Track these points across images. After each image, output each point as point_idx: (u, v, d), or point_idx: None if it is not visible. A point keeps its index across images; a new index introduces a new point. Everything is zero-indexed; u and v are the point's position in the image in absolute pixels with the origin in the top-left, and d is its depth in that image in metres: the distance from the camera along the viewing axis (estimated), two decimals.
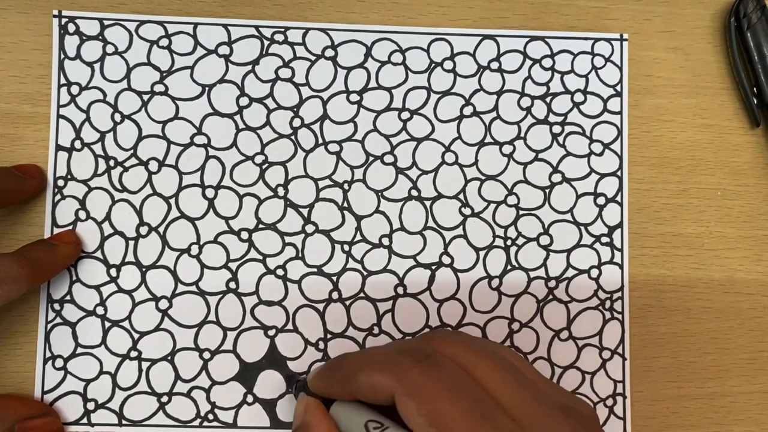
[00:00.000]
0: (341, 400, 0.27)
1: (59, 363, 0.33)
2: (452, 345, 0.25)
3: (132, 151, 0.34)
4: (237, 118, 0.34)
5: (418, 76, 0.35)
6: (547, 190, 0.35)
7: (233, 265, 0.33)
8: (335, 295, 0.34)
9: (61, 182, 0.33)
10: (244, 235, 0.34)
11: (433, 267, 0.34)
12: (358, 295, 0.34)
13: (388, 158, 0.34)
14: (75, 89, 0.34)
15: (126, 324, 0.33)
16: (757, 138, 0.36)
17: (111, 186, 0.33)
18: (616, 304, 0.34)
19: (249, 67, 0.34)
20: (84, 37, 0.34)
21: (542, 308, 0.34)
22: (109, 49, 0.34)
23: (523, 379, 0.24)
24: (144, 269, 0.33)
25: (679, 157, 0.35)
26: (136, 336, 0.33)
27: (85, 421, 0.32)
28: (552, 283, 0.34)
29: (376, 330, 0.33)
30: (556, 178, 0.35)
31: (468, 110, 0.35)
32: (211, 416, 0.33)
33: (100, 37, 0.34)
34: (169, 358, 0.33)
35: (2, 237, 0.33)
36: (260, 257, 0.34)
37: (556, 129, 0.35)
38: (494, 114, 0.35)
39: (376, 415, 0.25)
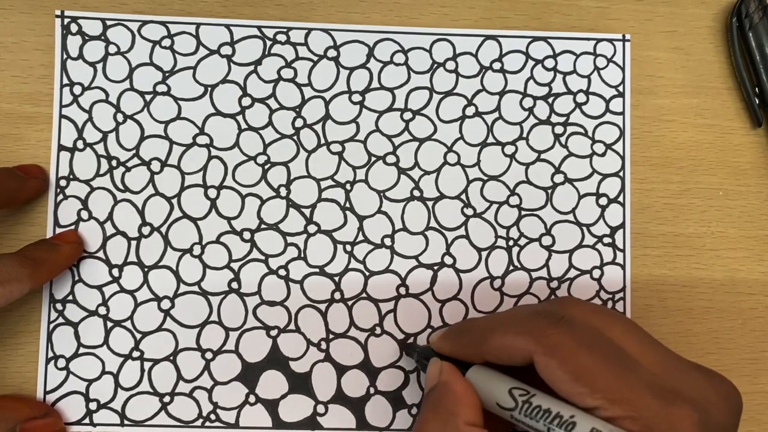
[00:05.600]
0: (479, 366, 0.26)
1: (61, 363, 0.33)
2: (582, 308, 0.25)
3: (134, 151, 0.34)
4: (239, 118, 0.34)
5: (420, 76, 0.35)
6: (549, 191, 0.35)
7: (235, 266, 0.33)
8: (337, 296, 0.34)
9: (63, 182, 0.33)
10: (247, 235, 0.34)
11: (436, 267, 0.34)
12: (360, 295, 0.34)
13: (391, 158, 0.34)
14: (77, 89, 0.34)
15: (128, 324, 0.33)
16: (758, 138, 0.36)
17: (113, 186, 0.33)
18: (618, 304, 0.34)
19: (251, 68, 0.34)
20: (86, 37, 0.34)
21: None
22: (112, 49, 0.34)
23: (655, 340, 0.24)
24: (146, 269, 0.33)
25: (680, 157, 0.35)
26: (138, 336, 0.33)
27: (87, 421, 0.32)
28: (554, 284, 0.34)
29: (378, 330, 0.33)
30: (559, 178, 0.35)
31: (470, 110, 0.35)
32: (213, 416, 0.33)
33: (103, 38, 0.34)
34: (171, 358, 0.33)
35: (4, 237, 0.33)
36: (262, 257, 0.34)
37: (559, 129, 0.35)
38: (496, 114, 0.35)
39: (519, 382, 0.25)
